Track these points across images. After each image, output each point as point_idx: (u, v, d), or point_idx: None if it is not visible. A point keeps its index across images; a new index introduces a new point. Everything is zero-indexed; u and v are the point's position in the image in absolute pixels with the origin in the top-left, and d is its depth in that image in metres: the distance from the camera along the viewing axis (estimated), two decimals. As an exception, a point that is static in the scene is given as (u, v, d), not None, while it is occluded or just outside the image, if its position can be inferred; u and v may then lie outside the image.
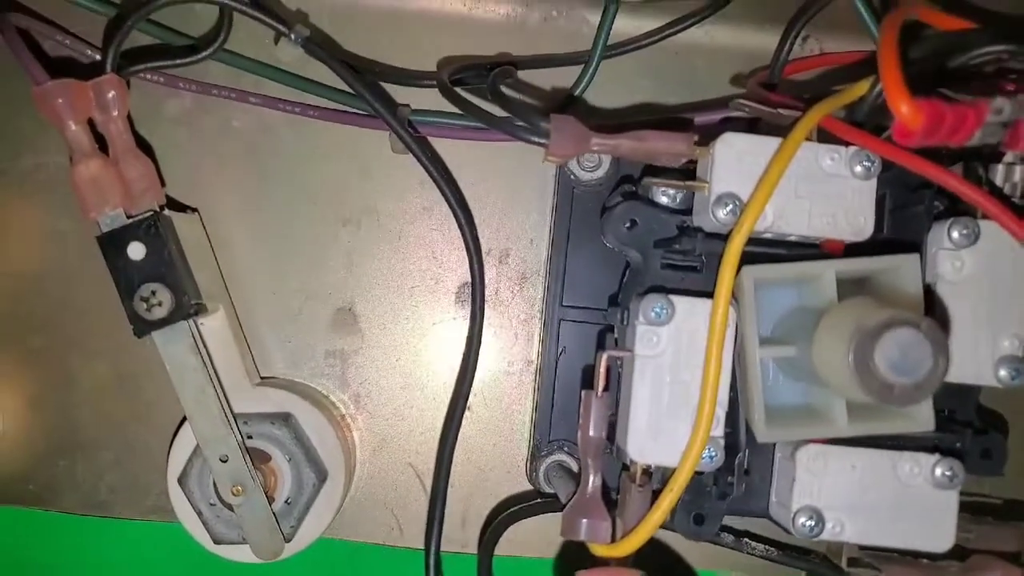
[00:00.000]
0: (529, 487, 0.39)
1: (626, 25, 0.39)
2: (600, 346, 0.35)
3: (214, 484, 0.35)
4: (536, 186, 0.40)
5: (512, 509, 0.38)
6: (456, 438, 0.38)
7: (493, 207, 0.41)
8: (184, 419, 0.37)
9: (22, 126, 0.39)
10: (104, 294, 0.38)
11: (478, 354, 0.38)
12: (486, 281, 0.40)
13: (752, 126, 0.35)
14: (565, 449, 0.37)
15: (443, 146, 0.40)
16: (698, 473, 0.31)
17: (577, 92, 0.38)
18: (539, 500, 0.38)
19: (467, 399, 0.39)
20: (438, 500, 0.36)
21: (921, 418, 0.29)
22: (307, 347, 0.40)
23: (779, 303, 0.31)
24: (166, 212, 0.34)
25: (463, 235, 0.38)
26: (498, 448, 0.41)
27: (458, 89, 0.35)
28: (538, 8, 0.41)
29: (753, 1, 0.38)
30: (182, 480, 0.36)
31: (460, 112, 0.37)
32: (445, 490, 0.37)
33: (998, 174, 0.32)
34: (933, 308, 0.31)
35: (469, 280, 0.39)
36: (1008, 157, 0.31)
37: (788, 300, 0.31)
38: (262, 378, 0.39)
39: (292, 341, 0.40)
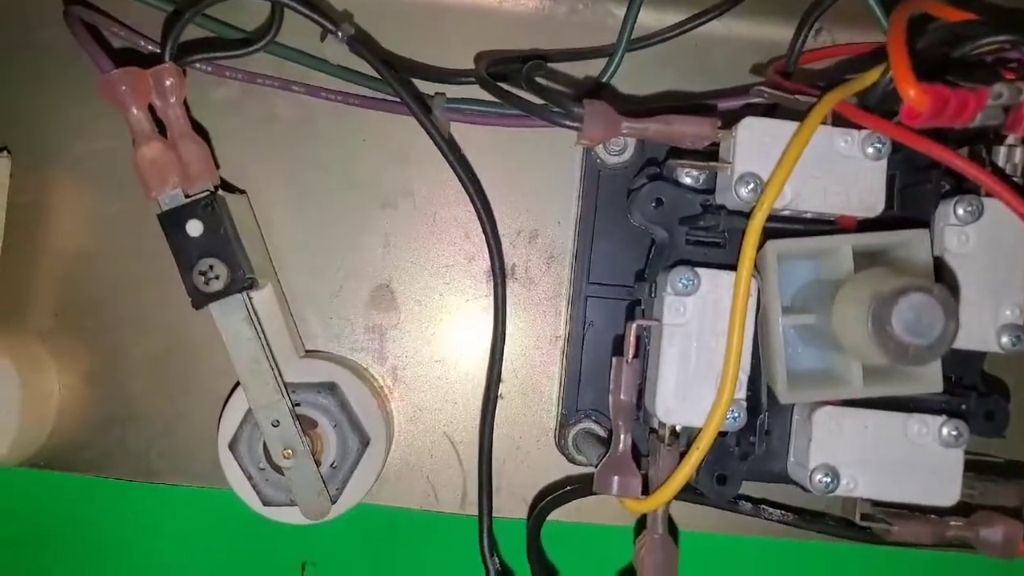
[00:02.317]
0: (558, 455, 0.42)
1: (649, 19, 0.42)
2: (629, 318, 0.38)
3: (264, 448, 0.37)
4: (564, 170, 0.43)
5: (553, 496, 0.40)
6: (494, 415, 0.40)
7: (523, 190, 0.43)
8: (235, 387, 0.39)
9: (74, 114, 0.42)
10: (153, 273, 0.41)
11: (504, 338, 0.40)
12: (516, 260, 0.42)
13: (771, 111, 0.37)
14: (592, 418, 0.40)
15: (476, 132, 0.42)
16: (721, 434, 0.33)
17: (605, 79, 0.40)
18: (578, 486, 0.40)
19: (499, 379, 0.41)
20: (484, 476, 0.39)
21: (931, 380, 0.31)
22: (347, 323, 0.43)
23: (798, 275, 0.33)
24: (220, 192, 0.36)
25: (483, 229, 0.40)
26: (528, 418, 0.43)
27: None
28: (565, 1, 0.43)
29: (769, -6, 0.40)
30: (233, 446, 0.38)
31: (492, 100, 0.40)
32: (490, 466, 0.39)
33: (1000, 155, 0.34)
34: (942, 279, 0.33)
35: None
36: (1009, 139, 0.34)
37: (807, 272, 0.34)
38: (306, 351, 0.41)
39: (333, 317, 0.43)
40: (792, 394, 0.32)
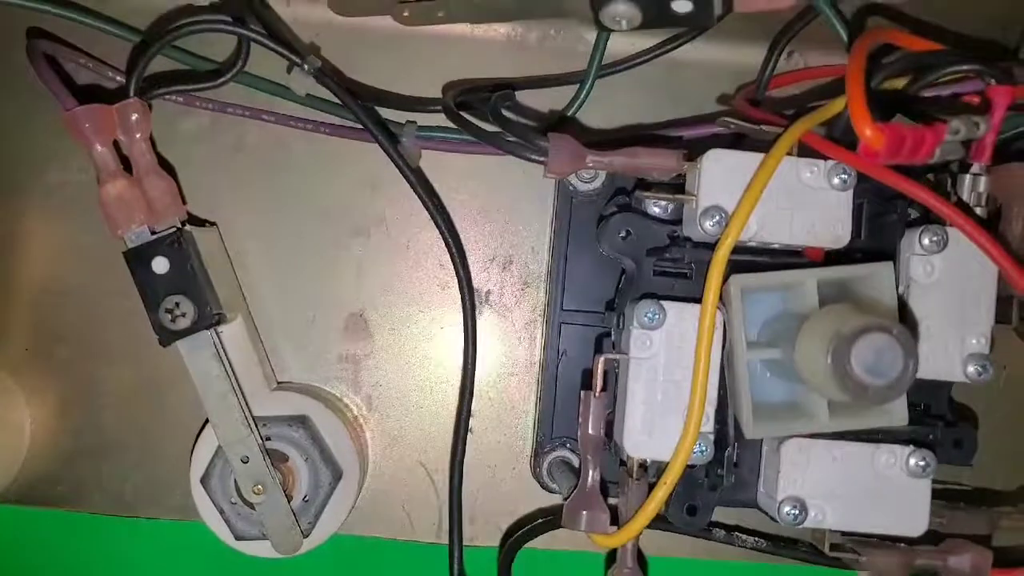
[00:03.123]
0: (533, 482, 0.41)
1: (620, 44, 0.42)
2: (598, 350, 0.38)
3: (235, 483, 0.37)
4: (537, 196, 0.43)
5: (524, 530, 0.40)
6: (464, 446, 0.40)
7: (496, 216, 0.43)
8: (206, 422, 0.39)
9: (46, 143, 0.41)
10: (125, 305, 0.41)
11: (474, 370, 0.40)
12: (491, 287, 0.42)
13: (737, 141, 0.37)
14: (567, 446, 0.39)
15: (449, 159, 0.42)
16: (690, 467, 0.33)
17: (572, 111, 0.40)
18: (549, 518, 0.40)
19: (470, 410, 0.40)
20: (454, 504, 0.39)
21: (896, 414, 0.31)
22: (321, 352, 0.43)
23: (766, 307, 0.33)
24: (187, 227, 0.36)
25: (453, 261, 0.40)
26: (503, 445, 0.43)
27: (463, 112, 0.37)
28: (536, 28, 0.43)
29: (740, 19, 0.40)
30: (205, 480, 0.38)
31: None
32: (459, 492, 0.39)
33: (965, 184, 0.34)
34: (905, 313, 0.33)
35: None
36: (974, 168, 0.34)
37: (774, 304, 0.33)
38: (279, 383, 0.41)
39: (306, 347, 0.42)
40: (758, 429, 0.32)
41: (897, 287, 0.32)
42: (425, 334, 0.43)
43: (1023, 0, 0.34)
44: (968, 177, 0.34)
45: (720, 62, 0.43)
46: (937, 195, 0.30)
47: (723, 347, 0.33)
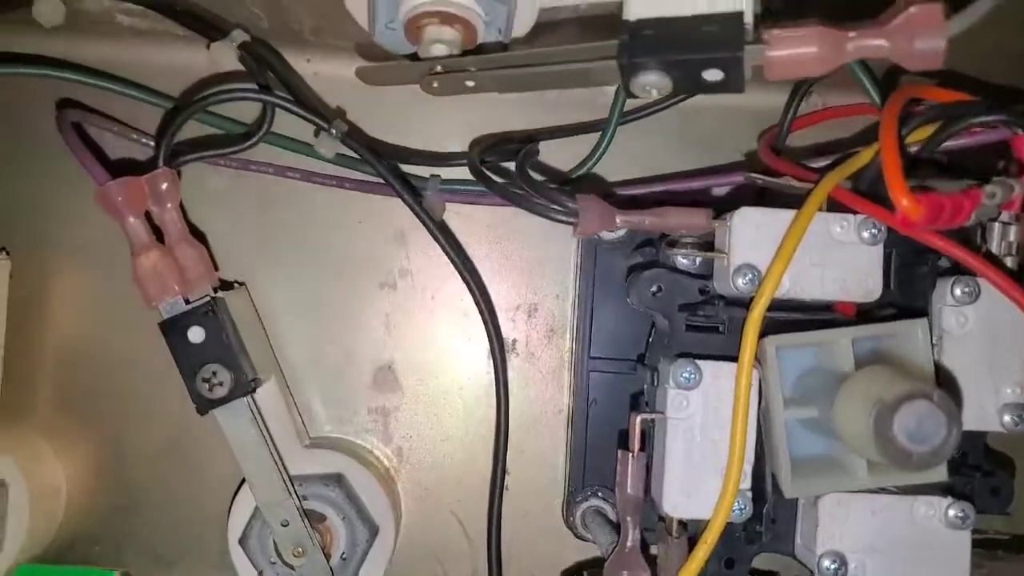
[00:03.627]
0: (566, 531, 0.42)
1: (639, 90, 0.42)
2: (633, 407, 0.38)
3: (274, 543, 0.37)
4: (560, 244, 0.43)
5: None
6: (502, 500, 0.40)
7: (520, 265, 0.43)
8: (242, 482, 0.39)
9: (73, 202, 0.42)
10: (157, 359, 0.41)
11: (508, 423, 0.40)
12: (517, 335, 0.43)
13: (761, 194, 0.37)
14: (599, 495, 0.39)
15: (472, 208, 0.42)
16: (728, 523, 0.33)
17: (593, 162, 0.40)
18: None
19: (504, 466, 0.41)
20: (493, 561, 0.39)
21: (936, 471, 0.31)
22: (351, 406, 0.43)
23: (799, 363, 0.33)
24: (219, 294, 0.37)
25: (480, 313, 0.40)
26: (535, 495, 0.43)
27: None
28: (555, 78, 0.43)
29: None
30: (243, 541, 0.38)
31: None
32: (499, 549, 0.40)
33: (995, 233, 0.34)
34: (940, 365, 0.33)
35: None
36: (1004, 216, 0.34)
37: (807, 359, 0.34)
38: (311, 438, 0.41)
39: (336, 401, 0.43)
40: (797, 488, 0.32)
41: (931, 340, 0.32)
42: (453, 384, 0.43)
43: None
44: (998, 226, 0.34)
45: (738, 107, 0.43)
46: (967, 250, 0.30)
47: (759, 404, 0.33)
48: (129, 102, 0.39)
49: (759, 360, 0.33)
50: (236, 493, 0.40)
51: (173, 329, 0.35)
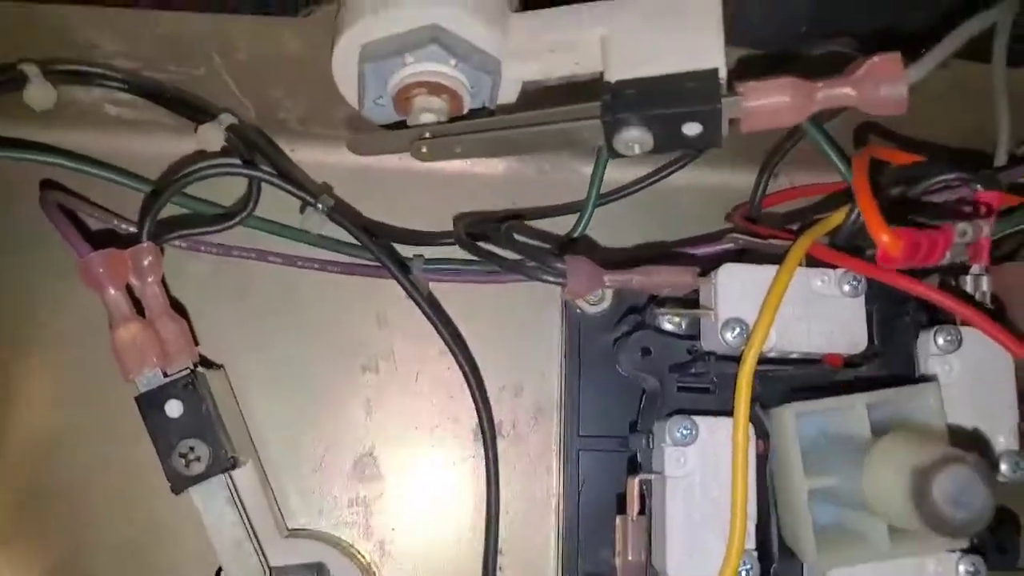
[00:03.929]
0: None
1: (614, 174, 0.43)
2: (630, 472, 0.37)
3: (249, 642, 0.35)
4: (543, 321, 0.43)
5: None
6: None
7: (504, 345, 0.43)
8: (217, 573, 0.37)
9: (47, 292, 0.41)
10: (119, 454, 0.39)
11: (498, 506, 0.39)
12: (503, 417, 0.42)
13: (743, 255, 0.38)
14: (594, 580, 0.38)
15: (452, 290, 0.42)
16: (735, 591, 0.32)
17: (575, 235, 0.41)
18: None
19: (496, 556, 0.39)
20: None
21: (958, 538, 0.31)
22: (330, 496, 0.41)
23: (804, 431, 0.33)
24: (199, 369, 0.36)
25: (470, 389, 0.39)
26: (526, 586, 0.41)
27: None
28: (532, 164, 0.45)
29: (729, 144, 0.42)
30: (215, 641, 0.35)
31: (468, 259, 0.40)
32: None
33: (967, 284, 0.35)
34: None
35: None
36: (975, 269, 0.35)
37: (812, 427, 0.33)
38: (289, 530, 0.39)
39: (315, 492, 0.41)
40: (822, 560, 0.31)
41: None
42: (438, 471, 0.42)
43: (989, 114, 0.36)
44: (970, 279, 0.35)
45: (711, 186, 0.45)
46: (949, 295, 0.31)
47: (757, 461, 0.32)
48: (114, 193, 0.40)
49: (770, 426, 0.32)
50: (207, 592, 0.37)
51: (150, 403, 0.34)
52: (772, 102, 0.29)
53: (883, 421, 0.32)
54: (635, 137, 0.30)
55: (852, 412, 0.32)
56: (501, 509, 0.40)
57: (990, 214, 0.31)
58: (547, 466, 0.42)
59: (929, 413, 0.32)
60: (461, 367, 0.39)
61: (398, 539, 0.41)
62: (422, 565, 0.41)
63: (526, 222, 0.43)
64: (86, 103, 0.40)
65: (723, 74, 0.30)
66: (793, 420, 0.32)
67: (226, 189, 0.41)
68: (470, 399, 0.41)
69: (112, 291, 0.34)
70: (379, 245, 0.38)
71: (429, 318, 0.38)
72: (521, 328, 0.43)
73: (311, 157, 0.43)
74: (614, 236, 0.44)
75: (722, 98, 0.29)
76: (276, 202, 0.41)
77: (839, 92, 0.29)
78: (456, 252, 0.41)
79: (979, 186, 0.34)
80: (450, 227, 0.43)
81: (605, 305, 0.39)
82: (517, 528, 0.41)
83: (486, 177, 0.44)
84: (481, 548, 0.39)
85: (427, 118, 0.33)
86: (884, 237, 0.28)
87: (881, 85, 0.28)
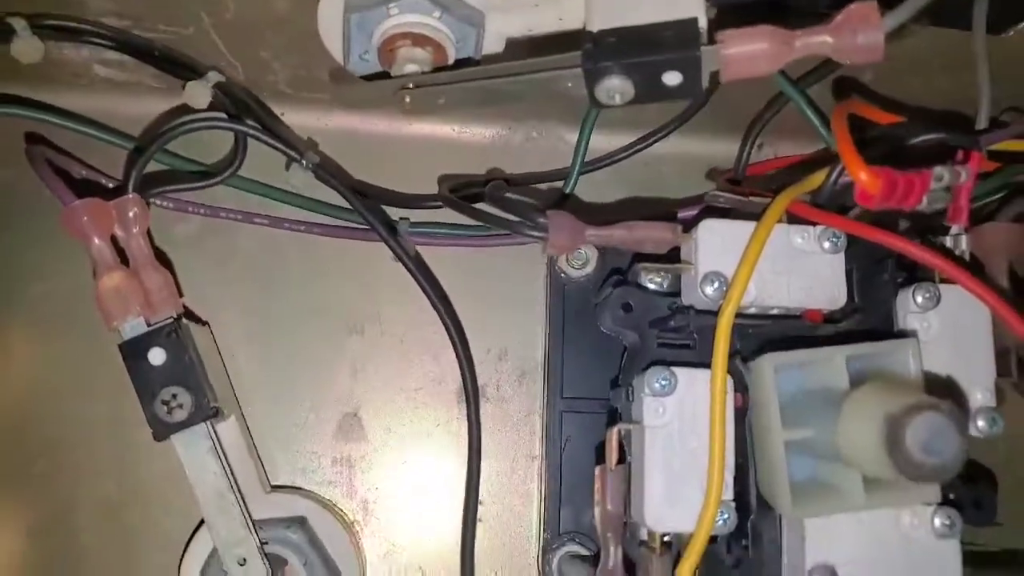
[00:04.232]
0: (541, 583, 0.39)
1: (600, 142, 0.43)
2: (610, 424, 0.37)
3: (229, 591, 0.35)
4: (528, 286, 0.43)
5: None
6: (473, 548, 0.39)
7: (488, 309, 0.43)
8: (195, 531, 0.37)
9: (31, 257, 0.41)
10: (103, 413, 0.40)
11: (479, 463, 0.39)
12: (487, 379, 0.42)
13: (725, 217, 0.38)
14: (576, 540, 0.38)
15: (439, 255, 0.42)
16: (712, 540, 0.32)
17: (566, 191, 0.41)
18: None
19: (476, 515, 0.39)
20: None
21: (930, 490, 0.31)
22: (314, 455, 0.41)
23: (784, 385, 0.33)
24: (183, 320, 0.36)
25: (454, 348, 0.40)
26: (508, 546, 0.41)
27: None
28: (520, 130, 0.45)
29: (712, 114, 0.42)
30: (195, 592, 0.35)
31: (455, 223, 0.41)
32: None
33: (948, 244, 0.35)
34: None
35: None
36: (954, 229, 0.35)
37: (792, 382, 0.33)
38: (272, 487, 0.39)
39: (299, 451, 0.41)
40: (798, 510, 0.31)
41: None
42: (421, 432, 0.42)
43: (970, 82, 0.37)
44: (949, 239, 0.35)
45: (694, 155, 0.45)
46: (928, 248, 0.32)
47: (736, 414, 0.32)
48: (101, 153, 0.40)
49: (749, 378, 0.33)
50: (187, 544, 0.37)
51: (133, 351, 0.34)
52: (750, 49, 0.29)
53: (862, 375, 0.33)
54: (616, 86, 0.31)
55: (831, 365, 0.32)
56: (483, 469, 0.40)
57: (967, 162, 0.32)
58: (531, 428, 0.42)
59: (907, 367, 0.32)
60: (446, 326, 0.39)
61: (381, 498, 0.41)
62: (405, 524, 0.41)
63: (512, 188, 0.44)
64: (75, 63, 0.41)
65: (703, 24, 0.30)
66: (771, 370, 0.32)
67: (214, 149, 0.41)
68: (454, 361, 0.41)
69: (96, 240, 0.34)
70: (365, 204, 0.38)
71: (415, 276, 0.38)
72: (506, 293, 0.43)
73: (299, 120, 0.43)
74: (599, 207, 0.44)
75: (701, 47, 0.29)
76: (263, 162, 0.41)
77: (817, 40, 0.29)
78: (440, 216, 0.41)
79: (959, 147, 0.35)
80: (436, 193, 0.43)
81: (589, 269, 0.40)
82: (499, 488, 0.41)
83: (473, 143, 0.45)
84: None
85: (411, 68, 0.33)
86: (862, 175, 0.28)
87: (858, 32, 0.28)
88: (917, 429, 0.27)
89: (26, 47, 0.36)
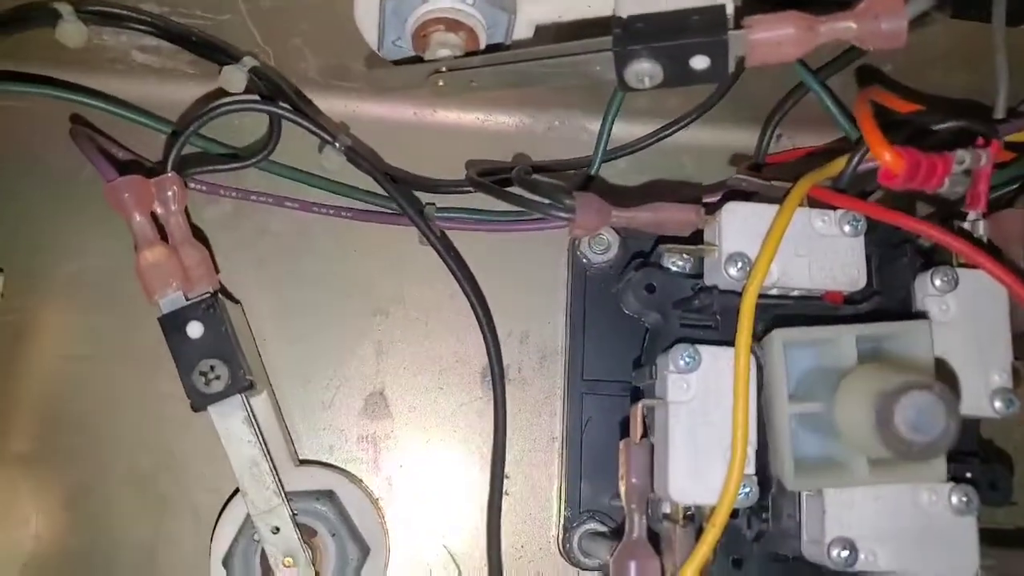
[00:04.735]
0: (563, 564, 0.40)
1: (621, 131, 0.44)
2: (634, 400, 0.38)
3: (261, 562, 0.36)
4: (550, 271, 0.44)
5: None
6: (499, 537, 0.39)
7: (512, 292, 0.44)
8: (226, 503, 0.38)
9: (70, 234, 0.42)
10: (139, 389, 0.41)
11: (505, 439, 0.40)
12: (509, 361, 0.43)
13: (748, 200, 0.39)
14: (596, 518, 0.39)
15: (464, 239, 0.43)
16: (734, 514, 0.33)
17: (592, 173, 0.42)
18: None
19: (501, 496, 0.40)
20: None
21: (936, 470, 0.31)
22: (340, 433, 0.42)
23: (800, 361, 0.34)
24: (220, 296, 0.37)
25: (480, 325, 0.41)
26: (528, 525, 0.42)
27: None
28: (542, 119, 0.46)
29: (732, 104, 0.43)
30: (227, 560, 0.36)
31: (479, 209, 0.41)
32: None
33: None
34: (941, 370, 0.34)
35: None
36: (971, 215, 0.36)
37: (808, 357, 0.34)
38: (300, 462, 0.40)
39: (326, 428, 0.42)
40: (799, 483, 0.32)
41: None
42: (445, 411, 0.43)
43: (990, 74, 0.37)
44: (967, 224, 0.36)
45: (714, 145, 0.46)
46: (951, 232, 0.32)
47: (759, 391, 0.33)
48: (140, 137, 0.41)
49: (763, 354, 0.33)
50: (219, 515, 0.38)
51: (172, 324, 0.35)
52: (776, 34, 0.30)
53: (875, 355, 0.33)
54: (645, 70, 0.32)
55: (841, 343, 0.33)
56: (506, 449, 0.41)
57: (987, 146, 0.32)
58: (551, 410, 0.43)
59: (919, 349, 0.33)
60: (472, 305, 0.40)
61: (405, 476, 0.42)
62: (428, 502, 0.42)
63: (538, 175, 0.45)
64: (115, 49, 0.42)
65: (730, 10, 0.31)
66: (780, 345, 0.32)
67: (247, 132, 0.42)
68: (477, 343, 0.42)
69: (138, 216, 0.35)
70: (395, 187, 0.39)
71: (443, 257, 0.39)
72: (529, 277, 0.44)
73: (328, 107, 0.44)
74: (620, 195, 0.45)
75: (728, 31, 0.30)
76: (294, 147, 0.42)
77: (841, 25, 0.30)
78: (465, 202, 0.42)
79: (979, 135, 0.35)
80: (461, 178, 0.44)
81: (611, 254, 0.40)
82: (521, 468, 0.42)
83: (497, 132, 0.46)
84: (486, 486, 0.40)
85: (444, 53, 0.34)
86: (886, 155, 0.29)
87: (881, 19, 0.29)
88: (905, 407, 0.28)
89: (71, 31, 0.37)
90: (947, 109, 0.36)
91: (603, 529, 0.38)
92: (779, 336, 0.33)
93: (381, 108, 0.45)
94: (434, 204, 0.42)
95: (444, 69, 0.34)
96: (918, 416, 0.28)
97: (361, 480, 0.41)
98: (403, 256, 0.43)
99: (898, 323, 0.33)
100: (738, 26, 0.31)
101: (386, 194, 0.40)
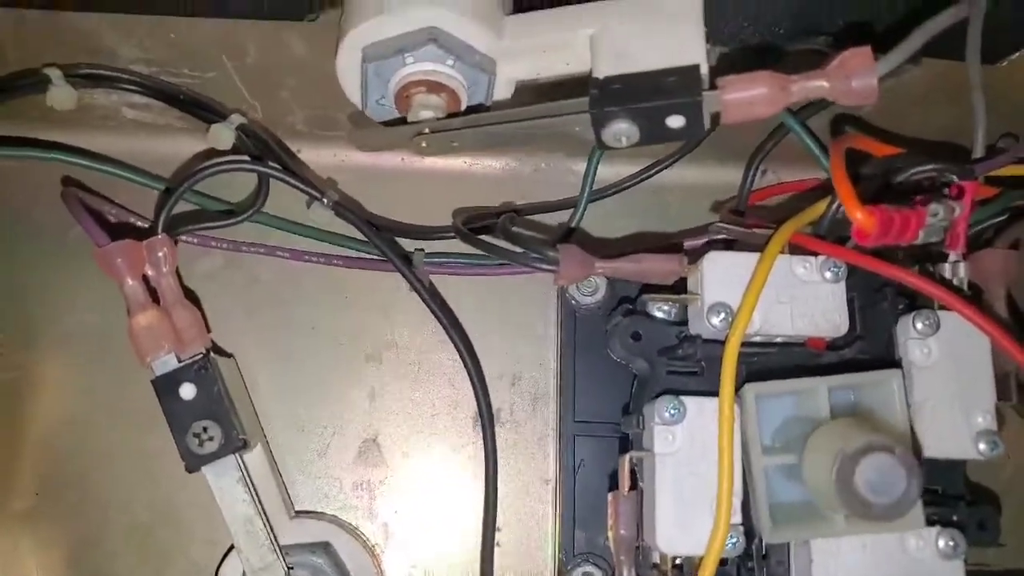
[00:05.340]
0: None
1: (606, 171, 0.45)
2: (622, 451, 0.38)
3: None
4: (540, 313, 0.44)
5: None
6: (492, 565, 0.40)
7: (502, 335, 0.44)
8: (223, 557, 0.38)
9: (64, 291, 0.43)
10: (137, 445, 0.41)
11: (496, 484, 0.40)
12: (501, 403, 0.43)
13: (730, 247, 0.39)
14: (591, 561, 0.39)
15: (453, 283, 0.44)
16: (722, 563, 0.33)
17: (572, 225, 0.43)
18: None
19: (493, 542, 0.40)
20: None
21: (913, 518, 0.32)
22: (335, 480, 0.42)
23: (781, 410, 0.34)
24: (211, 355, 0.37)
25: (468, 373, 0.41)
26: (524, 568, 0.42)
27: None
28: (529, 162, 0.47)
29: (716, 143, 0.44)
30: (225, 615, 0.37)
31: (468, 252, 0.42)
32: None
33: (946, 271, 0.37)
34: (913, 395, 0.34)
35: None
36: (952, 256, 0.36)
37: (787, 408, 0.34)
38: (296, 512, 0.41)
39: (321, 476, 0.42)
40: (776, 534, 0.32)
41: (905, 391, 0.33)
42: (438, 456, 0.43)
43: (967, 111, 0.38)
44: (948, 266, 0.37)
45: (699, 183, 0.46)
46: (926, 278, 0.33)
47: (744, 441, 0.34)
48: (130, 193, 0.42)
49: (738, 404, 0.34)
50: (216, 570, 0.38)
51: (165, 386, 0.35)
52: (749, 94, 0.31)
53: (850, 406, 0.34)
54: (622, 130, 0.32)
55: (816, 395, 0.33)
56: (499, 492, 0.41)
57: (962, 197, 0.33)
58: (544, 452, 0.43)
59: (893, 398, 0.33)
60: (460, 352, 0.40)
61: (401, 522, 0.42)
62: (424, 547, 0.42)
63: (522, 217, 0.45)
64: (105, 107, 0.43)
65: (704, 70, 0.31)
66: (752, 399, 0.33)
67: (236, 187, 0.43)
68: (469, 386, 0.43)
69: (130, 280, 0.36)
70: (382, 237, 0.40)
71: (429, 306, 0.40)
72: (519, 320, 0.44)
73: (315, 157, 0.45)
74: (606, 231, 0.46)
75: (703, 91, 0.31)
76: (283, 200, 0.43)
77: (813, 84, 0.30)
78: (454, 246, 0.43)
79: (954, 176, 0.36)
80: (449, 224, 0.44)
81: (599, 296, 0.41)
82: (515, 511, 0.43)
83: (484, 176, 0.46)
84: (480, 530, 0.41)
85: (426, 115, 0.35)
86: (858, 214, 0.30)
87: (853, 77, 0.30)
88: (866, 469, 0.28)
89: (62, 96, 0.38)
90: (925, 151, 0.37)
91: (597, 573, 0.39)
92: (751, 390, 0.33)
93: (368, 155, 0.45)
94: (423, 249, 0.43)
95: (427, 131, 0.34)
96: (879, 478, 0.28)
97: (357, 528, 0.42)
98: (394, 302, 0.44)
99: (870, 373, 0.34)
100: (712, 86, 0.31)
101: (375, 247, 0.41)
